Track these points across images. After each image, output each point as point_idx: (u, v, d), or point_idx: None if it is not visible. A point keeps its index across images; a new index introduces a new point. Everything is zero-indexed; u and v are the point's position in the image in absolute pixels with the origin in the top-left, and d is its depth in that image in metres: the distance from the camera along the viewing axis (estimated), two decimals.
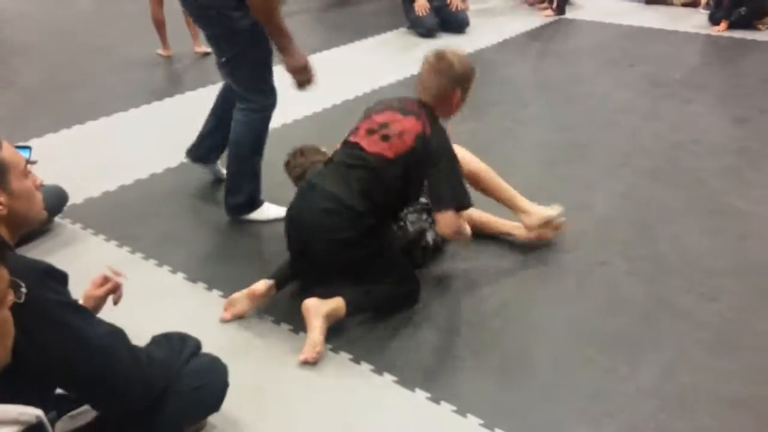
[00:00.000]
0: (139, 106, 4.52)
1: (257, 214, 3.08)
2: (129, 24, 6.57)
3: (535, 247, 2.84)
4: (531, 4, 7.01)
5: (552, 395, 2.09)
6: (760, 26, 6.04)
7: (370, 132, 2.43)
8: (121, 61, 5.47)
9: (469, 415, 2.00)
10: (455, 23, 6.16)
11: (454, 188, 2.36)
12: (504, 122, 4.20)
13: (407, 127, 2.39)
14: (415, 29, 6.12)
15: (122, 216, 3.14)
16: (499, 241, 2.90)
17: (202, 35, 3.20)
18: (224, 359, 1.86)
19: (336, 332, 2.33)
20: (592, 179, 3.44)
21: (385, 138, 2.39)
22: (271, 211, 3.09)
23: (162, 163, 3.64)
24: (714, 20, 6.14)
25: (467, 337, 2.34)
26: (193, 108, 4.41)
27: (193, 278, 2.68)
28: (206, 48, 5.50)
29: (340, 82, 4.88)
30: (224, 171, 3.16)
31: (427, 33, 6.00)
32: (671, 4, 6.94)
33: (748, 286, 2.60)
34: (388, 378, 2.15)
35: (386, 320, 2.42)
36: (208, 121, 3.32)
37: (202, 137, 3.34)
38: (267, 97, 2.90)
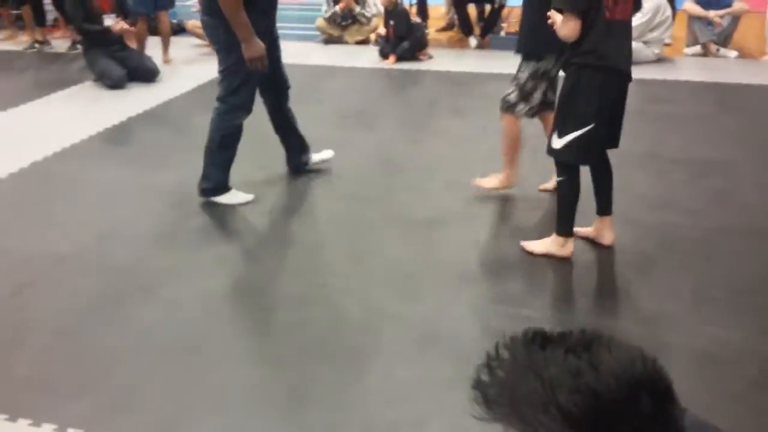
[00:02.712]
0: None
1: (226, 198, 3.68)
2: None
3: (252, 280, 2.96)
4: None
5: (291, 419, 2.21)
6: (422, 57, 6.92)
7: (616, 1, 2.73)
8: None
9: None
10: (144, 72, 6.07)
11: None
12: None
13: None
14: (102, 81, 5.90)
15: None
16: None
17: None
18: None
19: None
20: (300, 211, 3.67)
21: None
22: (239, 196, 3.69)
23: None
24: (383, 54, 6.89)
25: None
26: None
27: None
28: None
29: (25, 145, 4.55)
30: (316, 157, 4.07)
31: (115, 84, 5.83)
32: (346, 42, 7.61)
33: (441, 283, 3.00)
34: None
35: None
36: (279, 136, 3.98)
37: (287, 153, 4.01)
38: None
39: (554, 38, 2.86)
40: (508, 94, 3.49)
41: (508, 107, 3.51)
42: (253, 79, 3.54)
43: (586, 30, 2.74)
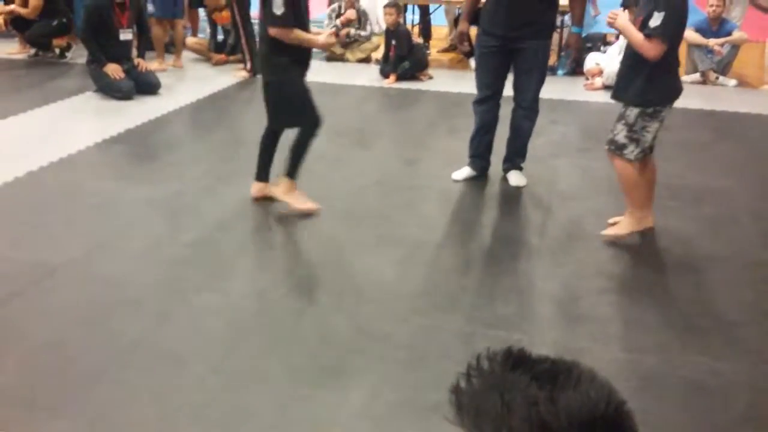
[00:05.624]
0: None
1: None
2: None
3: (242, 296, 2.95)
4: (216, 64, 7.24)
5: None
6: (422, 77, 6.94)
7: None
8: None
9: None
10: (146, 85, 6.09)
11: None
12: (206, 180, 4.26)
13: None
14: (111, 93, 5.92)
15: None
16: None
17: None
18: None
19: None
20: (292, 228, 3.67)
21: None
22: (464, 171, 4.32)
23: None
24: (384, 74, 6.92)
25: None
26: None
27: None
28: None
29: (21, 154, 4.56)
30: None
31: (126, 96, 5.87)
32: (347, 60, 7.65)
33: (434, 305, 2.98)
34: None
35: None
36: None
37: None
38: None
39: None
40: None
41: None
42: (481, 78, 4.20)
43: None
